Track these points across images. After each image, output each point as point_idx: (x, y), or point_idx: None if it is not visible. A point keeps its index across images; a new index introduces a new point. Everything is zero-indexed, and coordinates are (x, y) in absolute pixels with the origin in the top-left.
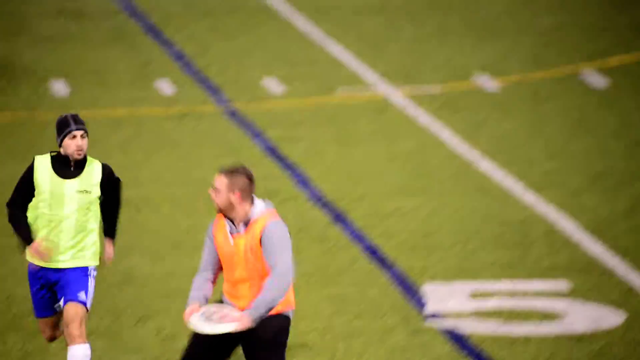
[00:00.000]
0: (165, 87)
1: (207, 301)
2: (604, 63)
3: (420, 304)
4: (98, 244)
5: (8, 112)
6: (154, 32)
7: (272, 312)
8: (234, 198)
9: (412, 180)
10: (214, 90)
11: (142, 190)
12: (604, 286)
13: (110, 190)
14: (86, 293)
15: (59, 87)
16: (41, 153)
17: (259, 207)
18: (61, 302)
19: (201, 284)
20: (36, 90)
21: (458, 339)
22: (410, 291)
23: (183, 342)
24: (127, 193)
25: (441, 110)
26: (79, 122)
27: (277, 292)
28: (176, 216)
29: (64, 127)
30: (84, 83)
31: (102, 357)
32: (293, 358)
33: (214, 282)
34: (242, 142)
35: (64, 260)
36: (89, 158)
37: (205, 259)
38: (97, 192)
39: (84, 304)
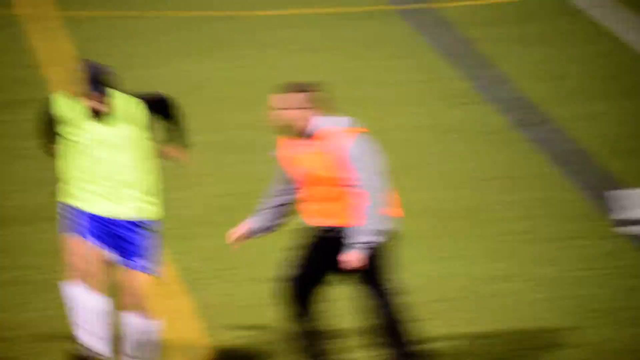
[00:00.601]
0: None
1: (267, 229)
2: None
3: (610, 210)
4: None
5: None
6: None
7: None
8: (305, 112)
9: (608, 84)
10: None
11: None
12: None
13: None
14: None
15: None
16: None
17: (332, 121)
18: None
19: (272, 211)
20: None
21: None
22: (601, 196)
23: None
24: None
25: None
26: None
27: (377, 219)
28: (358, 117)
29: None
30: None
31: None
32: (473, 264)
33: (288, 206)
34: (426, 42)
35: None
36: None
37: (277, 182)
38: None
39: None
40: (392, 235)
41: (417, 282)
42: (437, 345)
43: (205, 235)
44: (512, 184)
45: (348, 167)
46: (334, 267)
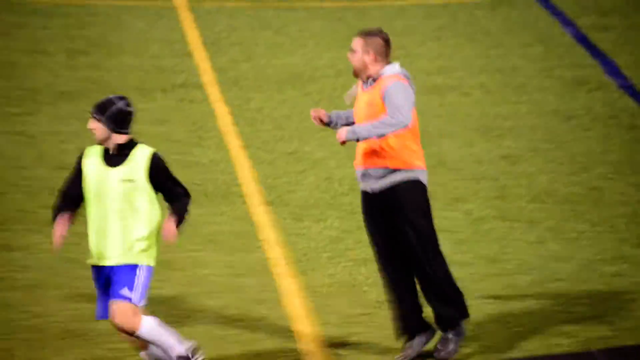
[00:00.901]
0: None
1: (337, 121)
2: None
3: None
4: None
5: None
6: None
7: (391, 166)
8: (368, 58)
9: None
10: None
11: (452, 79)
12: None
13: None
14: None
15: None
16: None
17: (391, 69)
18: None
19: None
20: None
21: None
22: None
23: (491, 224)
24: (437, 79)
25: None
26: (93, 108)
27: (381, 127)
28: (485, 103)
29: None
30: None
31: None
32: (598, 246)
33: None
34: (552, 30)
35: None
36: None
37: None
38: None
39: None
40: (413, 181)
41: (538, 262)
42: (551, 323)
43: (318, 218)
44: (634, 168)
45: (384, 106)
46: (389, 231)
